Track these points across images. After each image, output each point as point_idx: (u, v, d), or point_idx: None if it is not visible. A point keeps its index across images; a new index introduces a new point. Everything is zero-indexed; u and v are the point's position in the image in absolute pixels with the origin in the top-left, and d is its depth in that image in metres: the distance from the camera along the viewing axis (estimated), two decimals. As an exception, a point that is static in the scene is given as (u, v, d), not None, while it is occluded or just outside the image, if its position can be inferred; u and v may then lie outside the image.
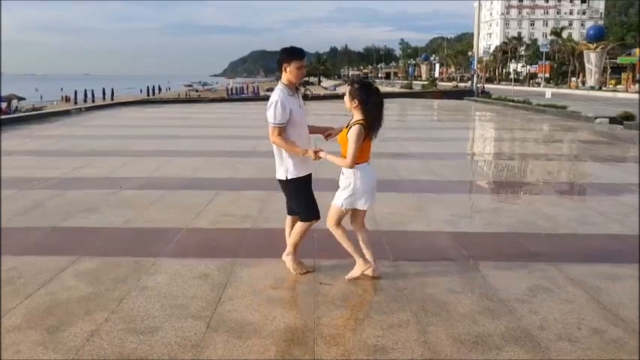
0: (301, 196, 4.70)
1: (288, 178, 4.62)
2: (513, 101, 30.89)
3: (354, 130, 4.31)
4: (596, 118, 21.09)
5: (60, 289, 4.53)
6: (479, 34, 55.89)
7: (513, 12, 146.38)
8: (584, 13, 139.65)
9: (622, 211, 7.29)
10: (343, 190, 4.51)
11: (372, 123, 4.37)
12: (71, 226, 6.48)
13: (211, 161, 11.25)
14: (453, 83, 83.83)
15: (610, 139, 16.08)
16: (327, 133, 4.80)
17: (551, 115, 24.14)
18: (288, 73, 4.50)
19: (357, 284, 4.63)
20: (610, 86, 65.50)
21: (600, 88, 59.53)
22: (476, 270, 5.02)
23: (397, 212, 7.05)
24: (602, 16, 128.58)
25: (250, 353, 3.52)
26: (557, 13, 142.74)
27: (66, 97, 58.84)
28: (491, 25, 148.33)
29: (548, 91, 39.31)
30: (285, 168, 4.61)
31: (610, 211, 7.29)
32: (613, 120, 20.23)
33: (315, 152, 4.48)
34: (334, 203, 4.57)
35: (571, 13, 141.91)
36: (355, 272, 4.67)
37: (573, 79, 76.30)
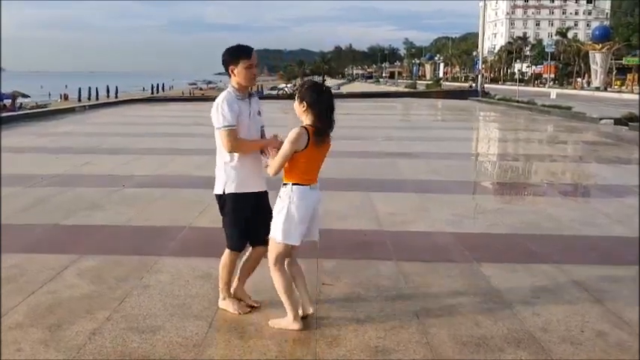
0: (235, 218, 3.93)
1: (226, 192, 3.91)
2: (518, 102, 30.79)
3: (291, 133, 3.56)
4: (601, 119, 21.02)
5: (62, 287, 4.53)
6: (484, 33, 55.79)
7: (519, 12, 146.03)
8: (589, 14, 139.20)
9: (626, 212, 7.26)
10: (277, 217, 3.68)
11: (319, 127, 3.62)
12: (74, 223, 6.48)
13: (215, 159, 11.22)
14: (457, 84, 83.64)
15: (615, 140, 16.01)
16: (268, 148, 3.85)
17: (555, 116, 24.06)
18: (237, 75, 3.83)
19: (359, 285, 4.61)
20: (615, 87, 65.28)
21: (606, 89, 59.31)
22: (478, 271, 5.00)
23: (400, 212, 7.04)
24: (608, 16, 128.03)
25: (252, 353, 3.51)
26: (563, 13, 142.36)
27: (65, 95, 59.03)
28: (496, 25, 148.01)
29: (553, 92, 39.19)
30: (224, 180, 3.93)
31: (614, 212, 7.26)
32: (618, 121, 20.14)
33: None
34: (271, 235, 3.75)
35: (577, 13, 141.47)
36: (281, 323, 3.83)
37: (578, 79, 76.06)
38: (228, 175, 3.93)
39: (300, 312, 3.86)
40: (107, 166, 10.31)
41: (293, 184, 3.66)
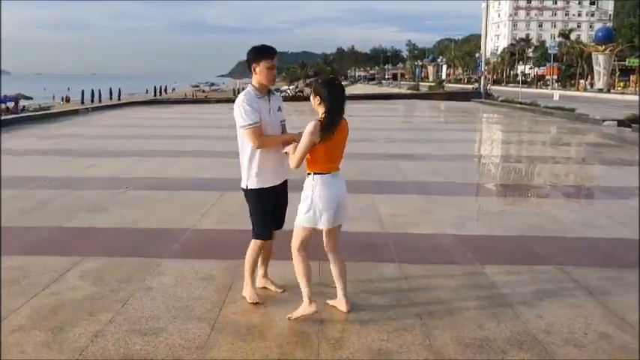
0: (258, 209, 4.24)
1: (249, 187, 4.20)
2: (520, 103, 30.77)
3: (307, 127, 3.80)
4: (604, 120, 20.98)
5: (65, 289, 4.53)
6: (486, 35, 55.75)
7: (521, 13, 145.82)
8: (592, 15, 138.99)
9: (629, 214, 7.24)
10: (301, 204, 3.96)
11: (330, 115, 3.84)
12: (76, 225, 6.49)
13: (217, 162, 11.25)
14: (459, 86, 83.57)
15: (618, 142, 15.98)
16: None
17: (558, 118, 24.03)
18: (258, 74, 4.07)
19: (362, 287, 4.61)
20: (619, 89, 65.18)
21: (609, 91, 59.25)
22: (481, 273, 4.99)
23: (403, 214, 7.03)
24: (611, 17, 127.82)
25: (254, 355, 3.51)
26: (566, 14, 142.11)
27: (67, 97, 59.27)
28: (499, 27, 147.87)
29: (556, 94, 39.15)
30: (247, 176, 4.18)
31: (617, 214, 7.25)
32: (621, 123, 20.12)
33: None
34: (295, 223, 4.03)
35: (579, 14, 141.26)
36: (298, 312, 4.02)
37: (581, 81, 75.98)
38: (249, 172, 4.16)
39: (315, 305, 3.99)
40: (110, 169, 10.32)
41: (315, 174, 3.90)
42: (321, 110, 3.89)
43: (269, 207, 4.23)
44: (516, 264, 5.26)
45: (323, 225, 3.93)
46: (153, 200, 7.76)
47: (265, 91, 4.15)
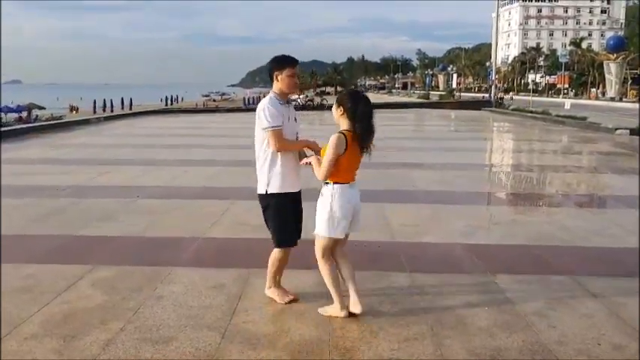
0: (278, 216, 4.26)
1: (269, 192, 4.23)
2: (532, 112, 30.67)
3: (332, 139, 3.89)
4: (616, 129, 20.85)
5: (76, 297, 4.56)
6: (497, 44, 55.70)
7: (532, 22, 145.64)
8: (604, 24, 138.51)
9: (643, 224, 7.17)
10: (321, 213, 4.02)
11: (360, 133, 3.93)
12: (88, 234, 6.53)
13: (227, 170, 11.30)
14: (470, 94, 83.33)
15: (631, 150, 15.86)
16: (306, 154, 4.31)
17: (570, 127, 23.91)
18: (280, 81, 4.18)
19: (373, 296, 4.59)
20: (631, 97, 64.73)
21: (621, 99, 58.88)
22: (493, 283, 4.96)
23: (413, 223, 7.01)
24: (623, 26, 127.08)
25: (264, 365, 3.50)
26: (577, 23, 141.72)
27: (75, 107, 59.91)
28: (509, 36, 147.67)
29: (568, 102, 38.97)
30: (267, 181, 4.22)
31: (629, 223, 7.18)
32: (633, 131, 19.98)
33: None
34: (315, 231, 4.09)
35: (590, 23, 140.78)
36: (328, 310, 4.18)
37: (593, 89, 75.58)
38: (270, 176, 4.21)
39: (346, 310, 4.11)
40: (122, 177, 10.39)
41: (334, 183, 3.97)
42: (343, 122, 3.96)
43: (290, 212, 4.28)
44: (528, 273, 5.22)
45: (339, 234, 4.02)
46: (164, 209, 7.79)
47: (286, 99, 4.27)
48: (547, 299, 4.57)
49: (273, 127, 4.09)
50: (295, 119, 4.34)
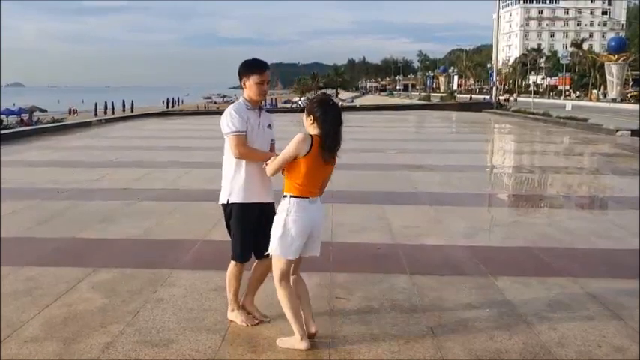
0: (237, 228, 3.97)
1: (230, 201, 3.95)
2: (533, 113, 30.65)
3: (297, 136, 3.54)
4: (617, 130, 20.83)
5: (76, 300, 4.55)
6: (498, 45, 55.71)
7: (533, 24, 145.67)
8: (605, 25, 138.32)
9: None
10: (274, 230, 3.62)
11: (327, 142, 3.55)
12: (88, 236, 6.53)
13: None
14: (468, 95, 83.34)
15: (632, 151, 15.84)
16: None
17: (571, 128, 23.90)
18: (248, 88, 3.91)
19: (373, 298, 4.58)
20: (632, 99, 64.65)
21: (622, 101, 58.83)
22: (493, 284, 4.95)
23: (414, 225, 7.00)
24: (624, 27, 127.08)
25: (264, 367, 3.49)
26: (578, 24, 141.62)
27: (74, 109, 60.07)
28: (510, 37, 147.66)
29: (569, 104, 38.95)
30: (230, 190, 3.95)
31: (630, 225, 7.17)
32: (635, 132, 19.96)
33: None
34: (269, 250, 3.69)
35: (591, 24, 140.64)
36: (287, 342, 3.74)
37: (594, 91, 75.53)
38: (233, 184, 3.95)
39: (306, 341, 3.72)
40: (122, 180, 10.38)
41: (291, 197, 3.60)
42: (313, 131, 3.60)
43: (250, 226, 3.95)
44: (528, 275, 5.21)
45: (291, 254, 3.62)
46: (164, 211, 7.79)
47: (256, 105, 4.00)
48: (548, 301, 4.57)
49: (233, 132, 3.82)
50: (269, 126, 4.06)
